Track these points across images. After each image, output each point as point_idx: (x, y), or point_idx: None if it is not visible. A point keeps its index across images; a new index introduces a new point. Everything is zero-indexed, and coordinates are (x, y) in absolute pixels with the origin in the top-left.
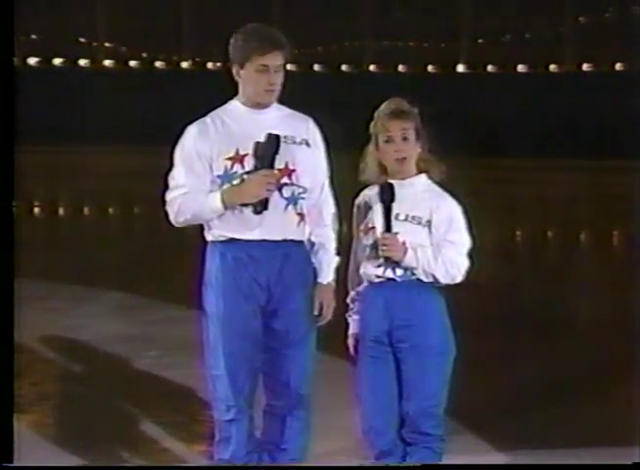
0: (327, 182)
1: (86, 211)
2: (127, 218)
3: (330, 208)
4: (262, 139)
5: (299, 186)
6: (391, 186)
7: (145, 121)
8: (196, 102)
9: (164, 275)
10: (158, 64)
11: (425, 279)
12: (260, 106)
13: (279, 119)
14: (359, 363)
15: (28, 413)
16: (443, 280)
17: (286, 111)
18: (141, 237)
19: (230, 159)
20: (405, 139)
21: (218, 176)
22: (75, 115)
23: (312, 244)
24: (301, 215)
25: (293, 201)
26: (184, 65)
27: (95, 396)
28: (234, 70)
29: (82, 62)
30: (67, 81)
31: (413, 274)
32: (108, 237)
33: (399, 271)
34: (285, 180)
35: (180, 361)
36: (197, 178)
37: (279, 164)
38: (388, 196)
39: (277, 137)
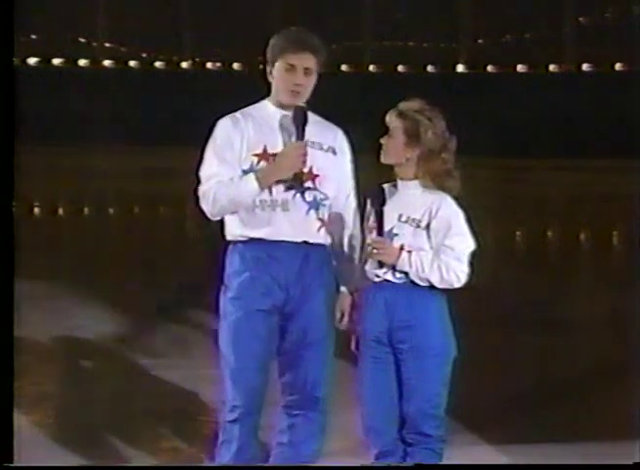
0: (352, 192)
1: (86, 211)
2: (127, 218)
3: (354, 217)
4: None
5: (322, 193)
6: (382, 190)
7: (145, 121)
8: (196, 102)
9: (165, 275)
10: (158, 64)
11: (420, 283)
12: (288, 107)
13: (308, 124)
14: (360, 364)
15: (28, 413)
16: (439, 285)
17: (315, 117)
18: (141, 237)
19: (257, 155)
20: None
21: (243, 171)
22: (75, 115)
23: (335, 252)
24: (322, 221)
25: (315, 206)
26: (184, 65)
27: (95, 396)
28: (267, 70)
29: (82, 62)
30: (67, 81)
31: None
32: (108, 237)
33: (398, 274)
34: (308, 184)
35: (180, 362)
36: (230, 168)
37: (304, 168)
38: (378, 200)
39: (304, 109)
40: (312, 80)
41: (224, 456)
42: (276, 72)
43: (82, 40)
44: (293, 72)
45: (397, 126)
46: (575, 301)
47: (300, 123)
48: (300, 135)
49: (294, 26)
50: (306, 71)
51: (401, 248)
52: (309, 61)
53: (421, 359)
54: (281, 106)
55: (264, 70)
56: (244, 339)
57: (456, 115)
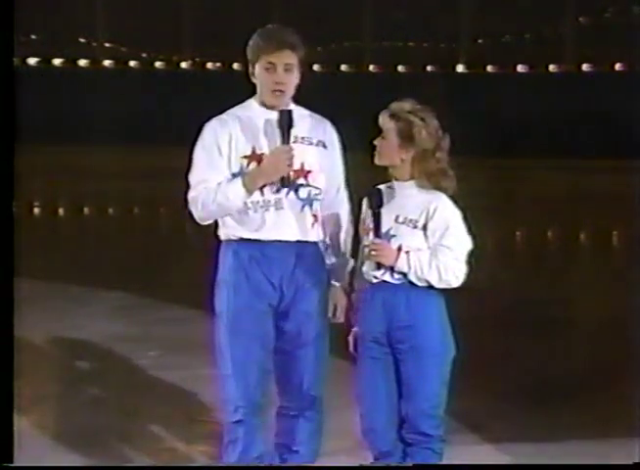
0: (343, 185)
1: (86, 211)
2: (127, 218)
3: (345, 210)
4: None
5: (315, 187)
6: (379, 192)
7: (145, 121)
8: (196, 102)
9: (165, 275)
10: (158, 64)
11: (418, 284)
12: (272, 107)
13: (296, 120)
14: (359, 364)
15: (28, 413)
16: (437, 285)
17: (303, 111)
18: (141, 237)
19: (246, 157)
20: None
21: (233, 174)
22: (75, 115)
23: (327, 246)
24: (316, 217)
25: (308, 202)
26: (184, 65)
27: (95, 396)
28: (250, 71)
29: (82, 62)
30: (67, 81)
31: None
32: (108, 237)
33: (396, 274)
34: (301, 181)
35: (180, 362)
36: (219, 173)
37: (295, 165)
38: (376, 202)
39: (289, 112)
40: (294, 77)
41: (230, 457)
42: (257, 72)
43: (82, 40)
44: (273, 71)
45: (390, 128)
46: (575, 301)
47: (286, 126)
48: (286, 139)
49: (289, 26)
50: (287, 68)
51: (399, 249)
52: (289, 57)
53: (420, 359)
54: (266, 106)
55: (247, 71)
56: (242, 339)
57: (456, 115)
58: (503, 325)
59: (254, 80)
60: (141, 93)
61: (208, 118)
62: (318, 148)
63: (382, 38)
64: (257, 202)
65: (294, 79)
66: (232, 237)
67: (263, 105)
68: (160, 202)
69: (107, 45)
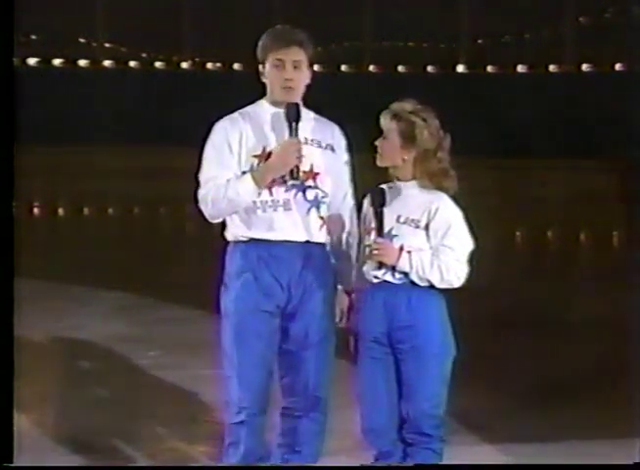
0: (350, 192)
1: (86, 211)
2: (127, 218)
3: (352, 215)
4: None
5: (322, 191)
6: (382, 191)
7: (145, 121)
8: (195, 102)
9: (165, 275)
10: (158, 64)
11: (420, 283)
12: (283, 105)
13: (305, 122)
14: (359, 364)
15: (28, 413)
16: (439, 285)
17: (312, 114)
18: (141, 237)
19: (257, 156)
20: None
21: (243, 173)
22: (75, 115)
23: (333, 251)
24: (323, 219)
25: (315, 204)
26: (184, 65)
27: (95, 396)
28: (260, 71)
29: (82, 62)
30: (67, 81)
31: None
32: (108, 237)
33: (397, 274)
34: (309, 183)
35: (180, 362)
36: (229, 171)
37: (304, 166)
38: (378, 201)
39: (297, 105)
40: (303, 75)
41: (231, 458)
42: (267, 70)
43: (82, 40)
44: (282, 68)
45: (392, 128)
46: (575, 301)
47: (293, 119)
48: (294, 132)
49: (289, 26)
50: (295, 65)
51: (401, 248)
52: (297, 54)
53: (421, 359)
54: (276, 104)
55: (257, 71)
56: (248, 340)
57: (456, 115)
58: (503, 325)
59: (264, 80)
60: (141, 93)
61: (218, 118)
62: (326, 151)
63: (382, 38)
64: (266, 202)
65: (303, 77)
66: (241, 238)
67: (274, 104)
68: (160, 202)
69: (107, 45)
